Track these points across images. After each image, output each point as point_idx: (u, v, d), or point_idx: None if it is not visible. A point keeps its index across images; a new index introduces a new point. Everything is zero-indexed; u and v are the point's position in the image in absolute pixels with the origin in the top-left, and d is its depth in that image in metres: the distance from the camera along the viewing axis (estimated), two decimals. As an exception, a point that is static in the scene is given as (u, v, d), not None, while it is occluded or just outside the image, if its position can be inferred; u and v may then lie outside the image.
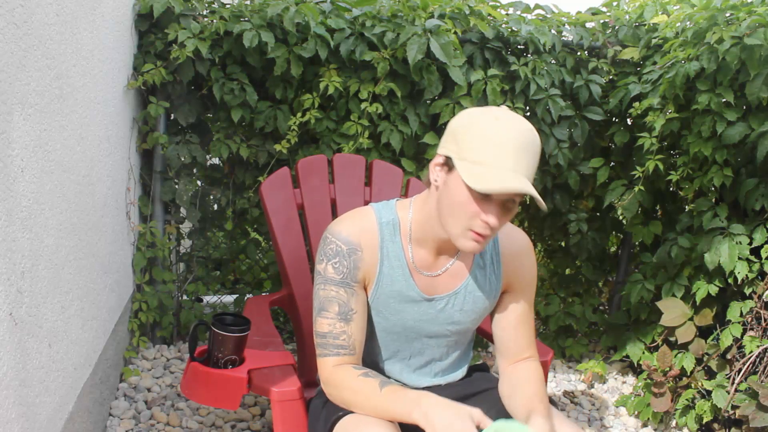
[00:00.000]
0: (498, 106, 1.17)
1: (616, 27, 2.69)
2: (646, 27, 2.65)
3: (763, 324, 2.24)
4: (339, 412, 1.38)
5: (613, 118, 2.78)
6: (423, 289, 1.42)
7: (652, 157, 2.45)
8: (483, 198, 1.22)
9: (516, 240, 1.48)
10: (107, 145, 2.07)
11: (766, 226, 2.29)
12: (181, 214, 2.76)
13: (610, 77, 2.71)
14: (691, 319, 2.42)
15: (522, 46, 2.63)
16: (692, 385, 2.37)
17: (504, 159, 1.19)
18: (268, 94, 2.52)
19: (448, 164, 1.26)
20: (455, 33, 2.47)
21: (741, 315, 2.27)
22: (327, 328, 1.37)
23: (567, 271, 3.09)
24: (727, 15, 2.21)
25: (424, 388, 1.52)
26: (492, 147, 1.20)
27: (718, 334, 2.36)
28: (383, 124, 2.51)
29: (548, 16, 2.70)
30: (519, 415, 1.35)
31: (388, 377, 1.50)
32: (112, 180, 2.16)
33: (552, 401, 1.51)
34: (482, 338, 2.93)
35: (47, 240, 1.50)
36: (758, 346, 2.20)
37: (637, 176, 2.51)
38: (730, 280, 2.31)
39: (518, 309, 1.47)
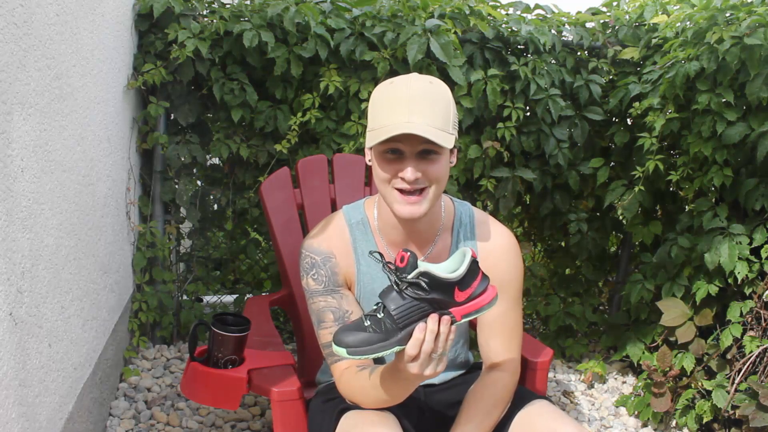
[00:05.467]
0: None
1: (616, 27, 2.69)
2: (646, 27, 2.65)
3: (763, 324, 2.24)
4: (342, 405, 1.39)
5: (613, 118, 2.78)
6: None
7: (652, 157, 2.45)
8: (393, 159, 1.29)
9: (495, 236, 1.48)
10: (107, 145, 2.07)
11: (766, 226, 2.29)
12: (181, 214, 2.76)
13: (610, 77, 2.71)
14: (691, 319, 2.42)
15: (522, 46, 2.63)
16: (692, 385, 2.37)
17: (396, 115, 1.25)
18: (268, 94, 2.52)
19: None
20: (455, 33, 2.47)
21: (741, 315, 2.27)
22: (329, 338, 1.37)
23: (567, 271, 3.09)
24: (727, 15, 2.21)
25: (423, 386, 1.52)
26: (384, 108, 1.27)
27: (718, 334, 2.36)
28: (383, 124, 2.50)
29: (548, 16, 2.70)
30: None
31: None
32: (112, 180, 2.16)
33: (549, 400, 1.49)
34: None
35: (47, 240, 1.50)
36: (758, 346, 2.20)
37: (637, 176, 2.51)
38: (730, 280, 2.31)
39: (495, 311, 1.43)
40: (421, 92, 1.26)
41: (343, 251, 1.42)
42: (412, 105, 1.25)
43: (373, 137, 1.28)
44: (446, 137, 1.26)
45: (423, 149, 1.28)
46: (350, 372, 1.35)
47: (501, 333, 1.45)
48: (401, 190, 1.30)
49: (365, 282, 1.43)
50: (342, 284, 1.41)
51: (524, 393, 1.49)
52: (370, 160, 1.38)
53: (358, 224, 1.45)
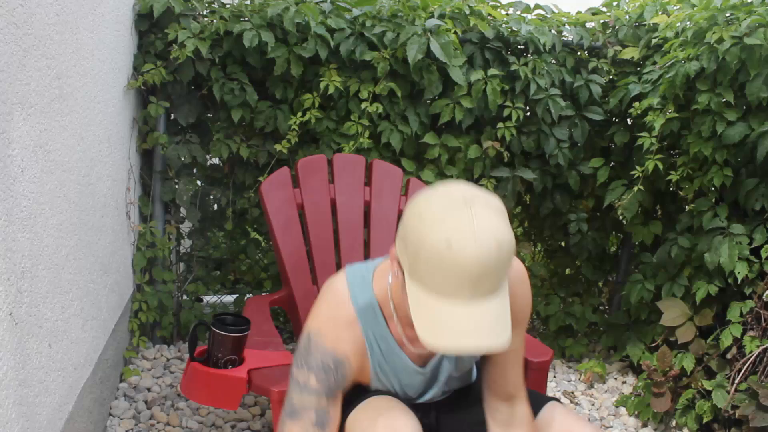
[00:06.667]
0: (453, 179, 1.05)
1: (616, 27, 2.69)
2: (646, 27, 2.65)
3: (763, 324, 2.24)
4: (356, 400, 1.35)
5: (613, 118, 2.78)
6: (415, 360, 1.35)
7: (652, 157, 2.45)
8: None
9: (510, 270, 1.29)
10: (107, 145, 2.07)
11: (766, 226, 2.29)
12: (181, 214, 2.76)
13: (610, 77, 2.71)
14: (691, 319, 2.42)
15: (522, 46, 2.63)
16: (692, 385, 2.37)
17: (459, 290, 1.03)
18: (268, 94, 2.52)
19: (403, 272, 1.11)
20: (455, 33, 2.47)
21: (741, 315, 2.27)
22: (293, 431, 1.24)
23: (567, 271, 3.09)
24: (727, 15, 2.21)
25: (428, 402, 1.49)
26: (445, 280, 1.03)
27: (718, 334, 2.36)
28: (383, 124, 2.51)
29: (548, 16, 2.70)
30: None
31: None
32: (112, 180, 2.16)
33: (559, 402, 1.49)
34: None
35: (47, 240, 1.50)
36: (758, 346, 2.20)
37: (636, 176, 2.51)
38: (730, 280, 2.31)
39: (510, 345, 1.33)
40: (487, 267, 1.02)
41: (356, 345, 1.27)
42: (478, 285, 1.03)
43: (427, 324, 1.05)
44: (504, 313, 1.07)
45: None
46: None
47: (519, 365, 1.38)
48: None
49: (377, 362, 1.33)
50: (345, 387, 1.29)
51: (537, 397, 1.46)
52: (397, 275, 1.14)
53: (366, 309, 1.27)
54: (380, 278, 1.28)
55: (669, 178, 2.46)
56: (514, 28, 2.58)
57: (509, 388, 1.37)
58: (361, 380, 1.34)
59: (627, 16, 2.70)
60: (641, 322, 2.74)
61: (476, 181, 2.65)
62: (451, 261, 1.02)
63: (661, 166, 2.44)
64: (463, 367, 1.43)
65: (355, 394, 1.37)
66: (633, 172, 2.52)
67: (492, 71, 2.51)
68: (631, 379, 2.83)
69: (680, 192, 2.70)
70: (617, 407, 2.62)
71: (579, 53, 2.75)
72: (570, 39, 2.68)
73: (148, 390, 2.39)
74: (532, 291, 2.97)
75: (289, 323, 2.84)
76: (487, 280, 1.03)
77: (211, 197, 2.76)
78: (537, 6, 2.70)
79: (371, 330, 1.28)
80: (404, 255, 1.08)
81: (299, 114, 2.46)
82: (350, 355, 1.26)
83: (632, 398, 2.58)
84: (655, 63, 2.52)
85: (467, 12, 2.55)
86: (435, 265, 1.03)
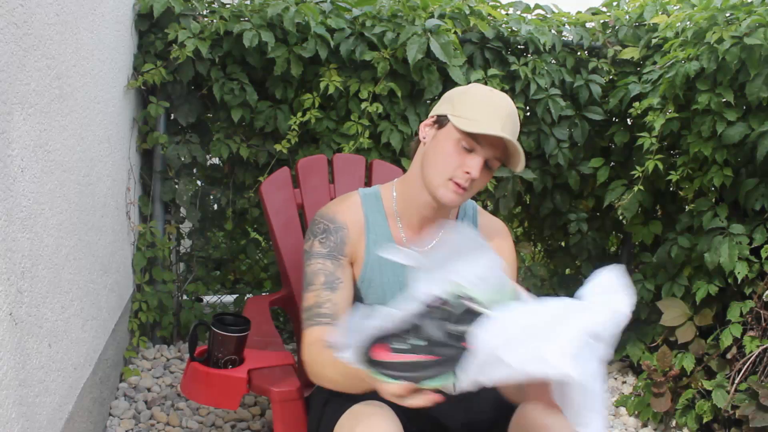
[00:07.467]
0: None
1: (616, 27, 2.69)
2: (646, 27, 2.65)
3: (763, 324, 2.24)
4: (342, 402, 1.37)
5: (613, 118, 2.78)
6: None
7: (652, 157, 2.45)
8: (468, 151, 1.37)
9: (494, 222, 1.60)
10: (107, 145, 2.07)
11: (766, 226, 2.29)
12: (181, 214, 2.76)
13: (610, 77, 2.71)
14: (691, 319, 2.42)
15: (522, 46, 2.64)
16: (692, 385, 2.37)
17: (495, 120, 1.36)
18: (268, 94, 2.52)
19: (440, 122, 1.42)
20: (455, 33, 2.47)
21: (741, 315, 2.27)
22: (313, 300, 1.40)
23: (567, 271, 3.09)
24: (727, 15, 2.21)
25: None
26: (485, 109, 1.37)
27: (718, 334, 2.36)
28: (383, 123, 2.51)
29: (548, 16, 2.71)
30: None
31: None
32: (112, 180, 2.16)
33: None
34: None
35: (47, 240, 1.50)
36: (758, 346, 2.20)
37: (636, 176, 2.51)
38: (730, 280, 2.31)
39: None
40: (513, 115, 1.39)
41: (356, 223, 1.47)
42: (506, 121, 1.37)
43: (468, 124, 1.35)
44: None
45: (492, 158, 1.39)
46: (319, 346, 1.35)
47: None
48: (457, 183, 1.39)
49: (373, 253, 1.46)
50: (346, 255, 1.45)
51: None
52: (425, 137, 1.44)
53: (369, 196, 1.52)
54: (384, 188, 1.55)
55: (669, 178, 2.46)
56: (514, 28, 2.58)
57: None
58: (356, 265, 1.48)
59: (627, 16, 2.70)
60: (641, 322, 2.73)
61: (476, 181, 2.65)
62: (491, 100, 1.40)
63: (661, 166, 2.44)
64: None
65: (344, 401, 1.37)
66: (633, 172, 2.52)
67: (492, 71, 2.51)
68: (631, 379, 2.83)
69: (680, 192, 2.70)
70: (617, 407, 2.62)
71: (579, 53, 2.75)
72: (570, 39, 2.68)
73: (148, 390, 2.39)
74: (531, 291, 2.97)
75: (289, 323, 2.84)
76: (510, 124, 1.38)
77: (211, 197, 2.76)
78: (537, 6, 2.70)
79: (371, 215, 1.50)
80: (449, 107, 1.42)
81: (299, 114, 2.46)
82: (350, 225, 1.47)
83: (632, 398, 2.58)
84: (655, 63, 2.52)
85: (467, 12, 2.55)
86: (479, 102, 1.39)
